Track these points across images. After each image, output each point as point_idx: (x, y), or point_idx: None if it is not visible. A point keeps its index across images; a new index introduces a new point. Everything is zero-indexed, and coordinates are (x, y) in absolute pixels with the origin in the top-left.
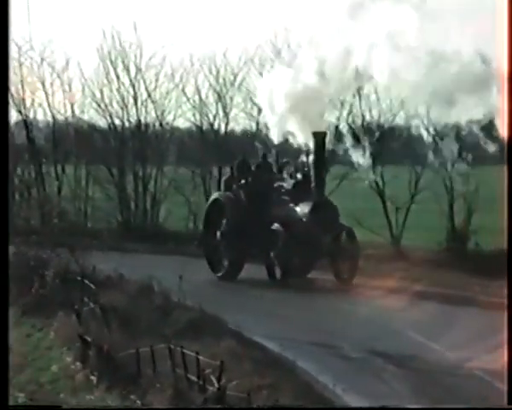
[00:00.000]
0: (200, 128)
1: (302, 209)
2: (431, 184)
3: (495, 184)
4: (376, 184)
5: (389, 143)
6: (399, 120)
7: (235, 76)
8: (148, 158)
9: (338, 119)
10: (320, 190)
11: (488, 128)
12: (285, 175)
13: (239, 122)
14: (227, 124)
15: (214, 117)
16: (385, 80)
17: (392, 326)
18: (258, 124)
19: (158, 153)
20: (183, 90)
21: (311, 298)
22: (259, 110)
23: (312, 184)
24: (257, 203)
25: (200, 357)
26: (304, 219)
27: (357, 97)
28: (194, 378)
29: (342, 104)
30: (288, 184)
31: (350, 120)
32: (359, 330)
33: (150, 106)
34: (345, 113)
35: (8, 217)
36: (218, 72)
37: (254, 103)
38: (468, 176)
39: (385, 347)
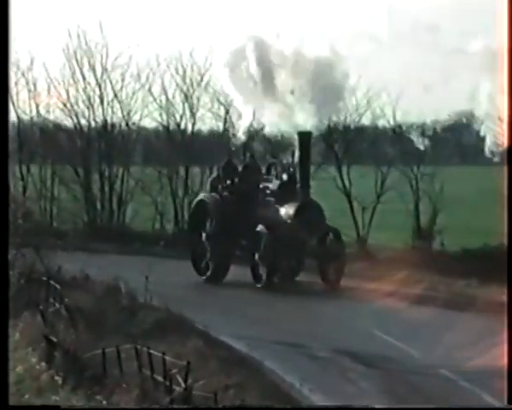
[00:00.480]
0: (166, 128)
1: (287, 211)
2: (397, 184)
3: (459, 185)
4: (343, 184)
5: (355, 143)
6: (366, 121)
7: (202, 76)
8: (114, 158)
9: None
10: (305, 191)
11: (452, 129)
12: (272, 176)
13: (206, 122)
14: (194, 124)
15: (181, 117)
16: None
17: (358, 326)
18: (225, 123)
19: (124, 153)
20: (149, 90)
21: (284, 299)
22: (227, 110)
23: (298, 185)
24: (242, 204)
25: (167, 357)
26: (289, 221)
27: None
28: (160, 379)
29: (309, 104)
30: (273, 184)
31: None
32: (327, 329)
33: (116, 106)
34: None
35: (8, 217)
36: (184, 72)
37: (221, 103)
38: (434, 176)
39: (352, 346)
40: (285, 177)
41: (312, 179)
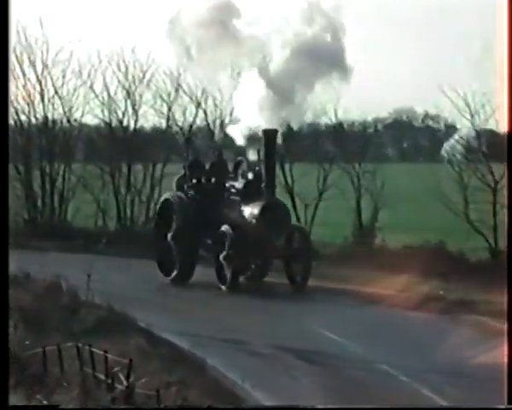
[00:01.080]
0: (108, 125)
1: (252, 210)
2: (339, 182)
3: (400, 182)
4: (285, 181)
5: (297, 140)
6: (307, 118)
7: (144, 73)
8: (55, 155)
9: None
10: (270, 190)
11: (392, 127)
12: (239, 174)
13: (148, 119)
14: (136, 121)
15: (123, 114)
16: None
17: (299, 323)
18: (168, 120)
19: (66, 150)
20: (91, 86)
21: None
22: (169, 107)
23: (263, 184)
24: (208, 204)
25: (109, 355)
26: (253, 221)
27: None
28: (102, 377)
29: None
30: (239, 183)
31: None
32: (269, 327)
33: (57, 102)
34: None
35: (8, 217)
36: (126, 68)
37: (164, 100)
38: (375, 173)
39: (293, 343)
40: (250, 175)
41: None
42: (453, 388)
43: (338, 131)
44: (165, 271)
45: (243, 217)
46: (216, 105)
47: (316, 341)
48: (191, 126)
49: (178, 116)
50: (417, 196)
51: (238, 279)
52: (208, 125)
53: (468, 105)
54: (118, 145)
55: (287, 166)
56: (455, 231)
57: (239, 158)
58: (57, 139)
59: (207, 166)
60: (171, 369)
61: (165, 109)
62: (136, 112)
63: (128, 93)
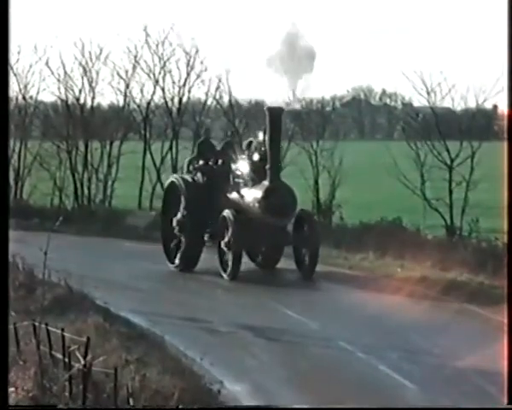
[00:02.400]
0: (65, 102)
1: (255, 194)
2: (297, 159)
3: (358, 159)
4: None
5: (256, 118)
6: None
7: (101, 49)
8: (10, 132)
9: (206, 94)
10: (274, 172)
11: (350, 105)
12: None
13: (105, 96)
14: (93, 98)
15: (80, 91)
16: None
17: (261, 301)
18: (125, 98)
19: (21, 127)
20: (46, 63)
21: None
22: (127, 85)
23: (267, 166)
24: (214, 187)
25: (66, 334)
26: (256, 205)
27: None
28: (59, 355)
29: (210, 79)
30: (244, 165)
31: (218, 95)
32: (230, 306)
33: (12, 79)
34: (213, 88)
35: (9, 213)
36: (83, 45)
37: (121, 77)
38: (333, 151)
39: (254, 321)
40: (256, 157)
41: None
42: (411, 364)
43: (296, 108)
44: (170, 257)
45: (246, 201)
46: (174, 82)
47: (275, 319)
48: (149, 104)
49: (136, 94)
50: (374, 173)
51: (239, 267)
52: (166, 102)
53: (424, 83)
54: (75, 123)
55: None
56: (412, 209)
57: (250, 138)
58: (13, 117)
59: (219, 147)
60: (130, 347)
61: (122, 86)
62: (93, 89)
63: (85, 70)
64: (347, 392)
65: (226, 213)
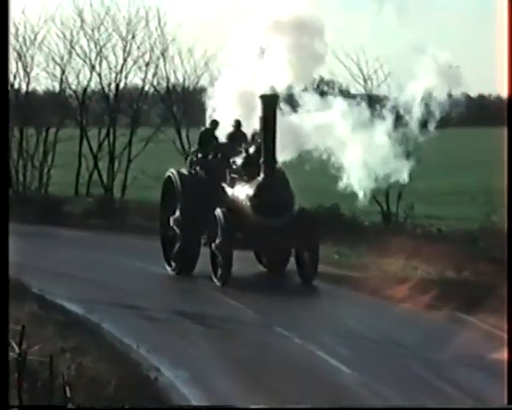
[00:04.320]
0: None
1: (248, 191)
2: None
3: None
4: (182, 146)
5: (194, 105)
6: (204, 82)
7: (36, 35)
8: None
9: (143, 80)
10: (269, 166)
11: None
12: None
13: (41, 82)
14: (28, 83)
15: (14, 76)
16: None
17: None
18: (61, 84)
19: None
20: None
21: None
22: (63, 70)
23: (261, 160)
24: (213, 183)
25: None
26: (248, 203)
27: (161, 59)
28: None
29: (147, 65)
30: (239, 158)
31: (155, 81)
32: (166, 292)
33: None
34: (150, 74)
35: (9, 213)
36: (17, 30)
37: (57, 63)
38: None
39: (192, 308)
40: (252, 149)
41: (151, 142)
42: (348, 350)
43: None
44: (168, 260)
45: (240, 198)
46: (111, 68)
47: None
48: (85, 90)
49: (72, 79)
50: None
51: (230, 270)
52: (103, 88)
53: (361, 70)
54: (9, 108)
55: (183, 131)
56: (349, 195)
57: (256, 128)
58: None
59: (224, 139)
60: (66, 335)
61: (58, 72)
62: (27, 74)
63: (19, 55)
64: (284, 376)
65: (217, 212)
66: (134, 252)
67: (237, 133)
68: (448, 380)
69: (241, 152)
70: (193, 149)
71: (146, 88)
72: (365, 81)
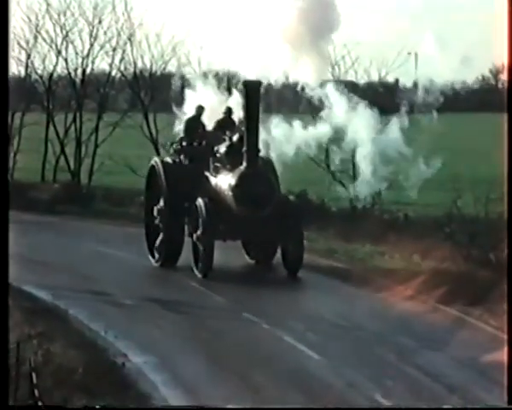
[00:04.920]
0: None
1: (230, 180)
2: None
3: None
4: (150, 132)
5: (162, 90)
6: (172, 68)
7: None
8: None
9: (110, 65)
10: (251, 155)
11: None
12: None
13: None
14: None
15: None
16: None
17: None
18: (27, 68)
19: None
20: None
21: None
22: (28, 55)
23: (244, 149)
24: (198, 171)
25: None
26: (230, 193)
27: (128, 44)
28: None
29: (114, 50)
30: (222, 147)
31: (122, 67)
32: (133, 277)
33: None
34: (117, 59)
35: (9, 213)
36: None
37: (22, 47)
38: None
39: (158, 293)
40: (235, 137)
41: (118, 127)
42: (316, 335)
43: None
44: (152, 252)
45: (222, 188)
46: (77, 53)
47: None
48: (51, 75)
49: (38, 64)
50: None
51: (211, 262)
52: (69, 73)
53: (328, 56)
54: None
55: (151, 117)
56: (316, 181)
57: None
58: None
59: (212, 126)
60: (33, 321)
61: (23, 57)
62: None
63: None
64: (251, 360)
65: (198, 202)
66: (101, 238)
67: (226, 121)
68: (416, 365)
69: (225, 140)
70: (180, 137)
71: (113, 73)
72: (332, 67)
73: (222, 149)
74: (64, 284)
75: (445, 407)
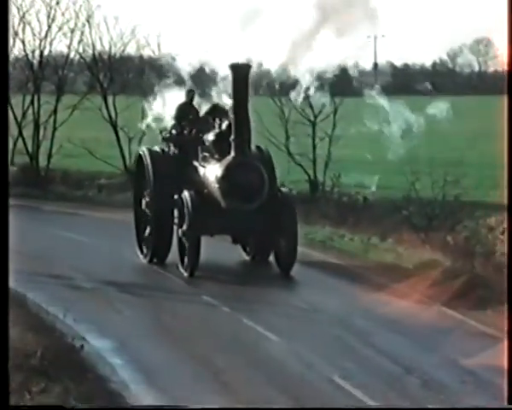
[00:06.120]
0: None
1: (216, 172)
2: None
3: None
4: (109, 114)
5: (121, 73)
6: (131, 50)
7: None
8: None
9: (68, 47)
10: (239, 144)
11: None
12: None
13: None
14: None
15: None
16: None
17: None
18: None
19: None
20: None
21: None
22: None
23: (231, 137)
24: (188, 161)
25: None
26: (216, 186)
27: (87, 26)
28: None
29: (73, 32)
30: (211, 135)
31: (81, 49)
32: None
33: None
34: (75, 41)
35: (8, 209)
36: None
37: None
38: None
39: (118, 276)
40: (224, 125)
41: (77, 109)
42: (279, 318)
43: (162, 63)
44: (141, 248)
45: (209, 179)
46: (34, 35)
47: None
48: (8, 57)
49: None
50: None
51: (197, 259)
52: (27, 55)
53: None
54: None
55: (110, 99)
56: (276, 164)
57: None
58: None
59: (204, 112)
60: None
61: None
62: None
63: None
64: (210, 343)
65: (184, 194)
66: (58, 221)
67: (218, 107)
68: (372, 345)
69: (214, 127)
70: (172, 124)
71: (71, 55)
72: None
73: (210, 137)
74: (22, 267)
75: (444, 407)
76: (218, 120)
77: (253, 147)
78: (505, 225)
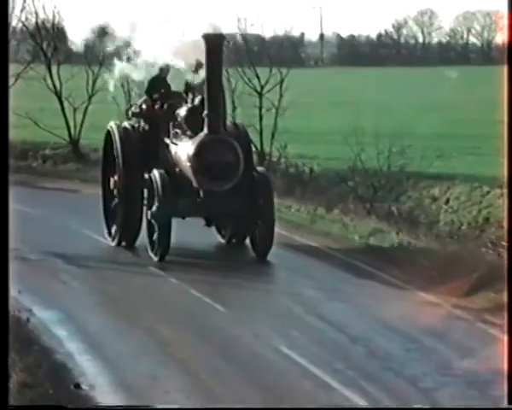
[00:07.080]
0: None
1: (188, 149)
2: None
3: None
4: (53, 84)
5: (65, 42)
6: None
7: None
8: None
9: (10, 15)
10: (213, 120)
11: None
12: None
13: None
14: None
15: None
16: None
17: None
18: None
19: None
20: None
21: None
22: None
23: (204, 112)
24: (155, 139)
25: None
26: (187, 164)
27: None
28: None
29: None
30: (182, 110)
31: (23, 17)
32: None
33: None
34: (17, 9)
35: (8, 210)
36: None
37: None
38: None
39: (66, 248)
40: (197, 100)
41: (21, 79)
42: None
43: (108, 32)
44: (109, 230)
45: (181, 157)
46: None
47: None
48: None
49: None
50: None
51: (167, 243)
52: None
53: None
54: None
55: (54, 69)
56: None
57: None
58: None
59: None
60: None
61: None
62: None
63: None
64: (157, 315)
65: (154, 173)
66: None
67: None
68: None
69: (187, 102)
70: (143, 99)
71: (14, 23)
72: (238, 20)
73: (182, 112)
74: None
75: (444, 407)
76: (190, 95)
77: (228, 123)
78: (448, 195)
